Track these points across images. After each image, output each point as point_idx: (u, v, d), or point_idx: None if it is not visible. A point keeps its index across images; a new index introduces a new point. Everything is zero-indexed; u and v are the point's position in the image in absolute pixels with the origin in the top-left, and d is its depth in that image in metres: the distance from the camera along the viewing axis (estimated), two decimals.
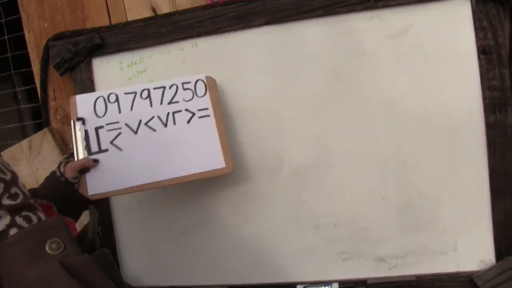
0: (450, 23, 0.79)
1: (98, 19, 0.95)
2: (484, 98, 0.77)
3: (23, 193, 0.44)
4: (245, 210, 0.88)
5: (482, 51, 0.78)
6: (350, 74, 0.82)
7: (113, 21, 0.94)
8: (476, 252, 0.80)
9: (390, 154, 0.81)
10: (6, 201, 0.41)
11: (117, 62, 0.92)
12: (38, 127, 1.08)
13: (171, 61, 0.89)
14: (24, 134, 1.31)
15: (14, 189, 0.42)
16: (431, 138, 0.79)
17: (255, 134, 0.86)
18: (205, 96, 0.79)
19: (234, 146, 0.85)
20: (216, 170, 0.75)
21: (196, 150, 0.76)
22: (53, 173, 0.75)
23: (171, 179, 0.74)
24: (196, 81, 0.80)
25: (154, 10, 0.93)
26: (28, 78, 1.07)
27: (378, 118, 0.81)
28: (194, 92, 0.79)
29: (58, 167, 0.75)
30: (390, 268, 0.84)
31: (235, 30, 0.85)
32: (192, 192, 0.90)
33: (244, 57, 0.85)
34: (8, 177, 0.43)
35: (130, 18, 0.93)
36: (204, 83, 0.79)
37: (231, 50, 0.85)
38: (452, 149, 0.79)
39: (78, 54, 0.93)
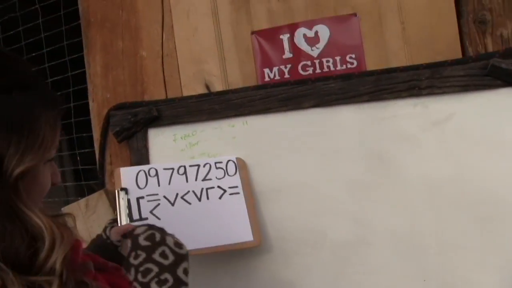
0: (495, 112, 0.84)
1: (156, 93, 1.06)
2: None
3: None
4: (286, 281, 0.93)
5: None
6: (393, 158, 0.88)
7: (169, 95, 1.05)
8: None
9: (431, 237, 0.85)
10: None
11: (171, 134, 1.02)
12: (80, 188, 1.19)
13: (222, 136, 0.98)
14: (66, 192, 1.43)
15: None
16: (474, 223, 0.83)
17: (300, 209, 0.92)
18: (235, 175, 0.88)
19: (279, 220, 0.92)
20: (245, 243, 0.83)
21: (227, 224, 0.84)
22: (99, 236, 0.83)
23: (203, 249, 0.81)
24: (228, 161, 0.89)
25: (208, 87, 1.03)
26: (81, 142, 1.20)
27: (420, 201, 0.86)
28: (226, 171, 0.88)
29: (104, 231, 0.83)
30: None
31: (284, 110, 0.93)
32: (235, 261, 0.96)
33: (292, 136, 0.93)
34: None
35: (185, 93, 1.03)
36: (235, 164, 0.88)
37: (280, 130, 0.93)
38: (495, 237, 0.82)
39: (136, 124, 1.03)
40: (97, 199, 1.10)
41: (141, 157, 1.03)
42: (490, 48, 0.86)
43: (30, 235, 0.37)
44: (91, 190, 1.40)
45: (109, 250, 0.78)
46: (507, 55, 0.82)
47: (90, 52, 1.12)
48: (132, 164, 1.03)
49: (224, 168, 0.87)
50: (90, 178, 1.26)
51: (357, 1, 0.94)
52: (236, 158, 0.89)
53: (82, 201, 1.11)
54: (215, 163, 0.88)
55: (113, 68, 1.10)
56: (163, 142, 1.02)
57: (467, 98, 0.85)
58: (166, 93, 1.06)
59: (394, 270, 0.86)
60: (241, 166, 0.88)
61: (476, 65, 0.84)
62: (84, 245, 0.80)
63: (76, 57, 1.17)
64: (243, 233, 0.82)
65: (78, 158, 1.17)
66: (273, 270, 0.93)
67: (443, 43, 0.90)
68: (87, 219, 1.11)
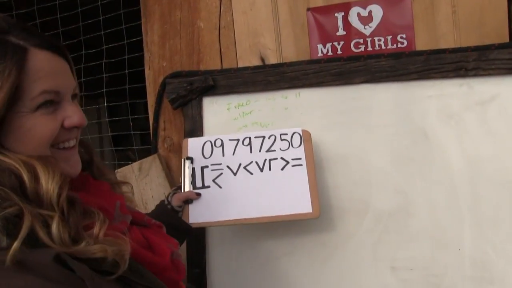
0: None
1: (211, 63, 1.38)
2: None
3: None
4: (330, 245, 1.24)
5: None
6: (437, 134, 1.17)
7: (225, 66, 1.36)
8: None
9: (469, 210, 1.14)
10: None
11: (225, 103, 1.34)
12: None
13: (275, 107, 1.29)
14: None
15: None
16: (509, 200, 1.11)
17: (347, 179, 1.23)
18: (300, 147, 1.13)
19: (327, 189, 1.23)
20: (304, 214, 1.07)
21: (287, 194, 1.09)
22: (162, 202, 1.13)
23: (261, 217, 1.08)
24: (293, 134, 1.15)
25: (263, 59, 1.34)
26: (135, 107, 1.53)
27: (460, 176, 1.15)
28: (290, 143, 1.15)
29: (167, 197, 1.13)
30: None
31: (336, 85, 1.23)
32: (282, 224, 1.27)
33: (343, 110, 1.23)
34: None
35: (241, 64, 1.35)
36: (300, 136, 1.14)
37: (331, 103, 1.23)
38: None
39: (192, 92, 1.36)
40: (151, 162, 1.43)
41: (195, 124, 1.36)
42: None
43: (13, 174, 0.51)
44: (126, 158, 1.75)
45: (167, 214, 1.08)
46: None
47: (148, 21, 1.44)
48: (185, 130, 1.36)
49: (289, 140, 1.13)
50: (127, 144, 1.59)
51: None
52: (302, 130, 1.14)
53: (135, 164, 1.45)
54: (281, 134, 1.14)
55: (170, 37, 1.42)
56: (217, 110, 1.34)
57: (510, 80, 1.13)
58: (222, 64, 1.37)
59: (431, 239, 1.16)
60: (306, 139, 1.13)
61: None
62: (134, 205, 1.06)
63: (133, 25, 1.49)
64: (303, 204, 1.07)
65: (131, 123, 1.50)
66: (318, 236, 1.24)
67: (491, 27, 1.17)
68: (140, 182, 1.45)
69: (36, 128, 0.55)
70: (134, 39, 1.49)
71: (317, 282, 1.25)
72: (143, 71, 1.45)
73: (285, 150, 1.12)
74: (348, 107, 1.23)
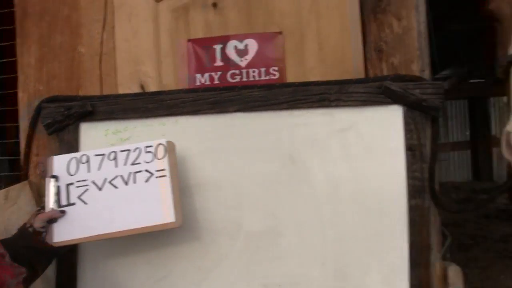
0: (386, 124, 1.50)
1: (91, 89, 1.63)
2: (408, 186, 1.46)
3: None
4: (205, 267, 1.50)
5: (409, 148, 1.48)
6: (303, 159, 1.50)
7: (105, 92, 1.62)
8: None
9: (331, 227, 1.47)
10: None
11: (103, 129, 1.58)
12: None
13: (152, 133, 1.55)
14: None
15: None
16: (365, 215, 1.46)
17: (220, 202, 1.51)
18: (164, 158, 1.38)
19: (201, 212, 1.49)
20: (167, 223, 1.32)
21: (151, 206, 1.33)
22: (24, 225, 1.31)
23: (127, 230, 1.31)
24: (158, 145, 1.41)
25: (142, 87, 1.62)
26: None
27: (323, 196, 1.48)
28: (155, 155, 1.41)
29: (30, 219, 1.32)
30: None
31: (212, 113, 1.54)
32: (157, 247, 1.51)
33: (218, 136, 1.53)
34: None
35: (121, 91, 1.61)
36: (165, 147, 1.40)
37: (207, 130, 1.53)
38: (381, 226, 1.45)
39: (69, 118, 1.58)
40: (19, 190, 1.61)
41: (70, 149, 1.58)
42: (385, 72, 1.53)
43: None
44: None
45: (27, 237, 1.26)
46: (396, 79, 1.50)
47: (25, 42, 1.67)
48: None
49: (154, 152, 1.39)
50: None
51: (283, 21, 1.59)
52: (167, 141, 1.39)
53: (1, 192, 1.62)
54: (146, 146, 1.38)
55: (48, 61, 1.66)
56: (95, 136, 1.58)
57: (366, 111, 1.51)
58: (102, 90, 1.63)
59: (299, 256, 1.46)
60: (170, 150, 1.38)
61: (374, 85, 1.50)
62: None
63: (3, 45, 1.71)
64: (166, 214, 1.32)
65: None
66: (193, 259, 1.50)
67: (351, 64, 1.56)
68: (5, 211, 1.61)
69: None
70: (10, 59, 1.69)
71: None
72: (12, 94, 1.65)
73: (150, 162, 1.37)
74: (222, 134, 1.53)
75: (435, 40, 1.73)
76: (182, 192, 1.44)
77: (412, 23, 1.55)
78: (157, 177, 1.36)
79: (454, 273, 1.57)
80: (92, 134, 1.59)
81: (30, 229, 1.27)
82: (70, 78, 1.65)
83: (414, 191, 1.46)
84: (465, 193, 6.79)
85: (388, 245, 1.45)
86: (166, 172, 1.35)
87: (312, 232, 1.48)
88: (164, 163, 1.36)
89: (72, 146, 1.59)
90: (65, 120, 1.59)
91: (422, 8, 1.56)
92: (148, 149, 1.37)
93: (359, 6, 1.57)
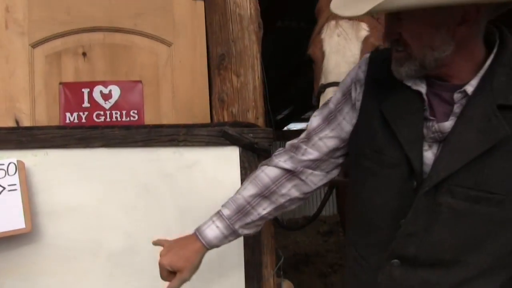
0: (226, 162, 2.23)
1: None
2: None
3: None
4: (68, 282, 2.13)
5: (243, 181, 2.22)
6: (156, 189, 2.19)
7: None
8: None
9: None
10: None
11: None
12: None
13: (26, 162, 2.16)
14: None
15: None
16: None
17: (83, 224, 2.15)
18: (15, 175, 2.02)
19: (67, 233, 2.13)
20: (19, 229, 1.94)
21: (4, 215, 1.95)
22: None
23: None
24: (9, 164, 2.04)
25: (17, 122, 2.22)
26: None
27: (172, 221, 2.18)
28: (7, 172, 2.02)
29: None
30: None
31: (79, 147, 2.18)
32: (22, 264, 2.12)
33: (83, 168, 2.17)
34: None
35: None
36: (15, 165, 2.03)
37: (74, 162, 2.17)
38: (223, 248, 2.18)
39: None
40: None
41: None
42: (226, 119, 2.26)
43: None
44: None
45: None
46: (234, 125, 2.23)
47: None
48: None
49: (5, 169, 1.99)
50: None
51: (142, 72, 2.28)
52: (17, 161, 2.00)
53: None
54: None
55: None
56: None
57: (209, 150, 2.23)
58: None
59: (152, 272, 2.14)
60: (20, 168, 2.00)
61: (216, 129, 2.23)
62: None
63: None
64: (18, 222, 1.93)
65: None
66: (57, 274, 2.13)
67: (199, 110, 2.28)
68: None
69: None
70: None
71: None
72: None
73: (2, 178, 1.98)
74: (88, 166, 2.17)
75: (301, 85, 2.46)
76: (50, 215, 2.07)
77: (248, 79, 2.30)
78: (9, 190, 1.96)
79: (287, 287, 2.36)
80: None
81: None
82: None
83: None
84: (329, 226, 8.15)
85: (228, 263, 2.18)
86: (17, 187, 1.97)
87: None
88: (15, 179, 1.97)
89: None
90: None
91: (258, 67, 2.32)
92: (1, 166, 1.97)
93: (206, 63, 2.29)
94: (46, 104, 2.26)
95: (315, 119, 1.62)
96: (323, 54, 2.19)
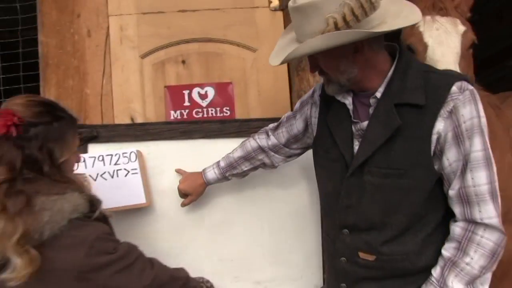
0: None
1: (94, 120, 2.75)
2: None
3: None
4: (181, 247, 2.63)
5: None
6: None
7: (105, 122, 2.74)
8: (313, 279, 2.61)
9: (266, 220, 2.63)
10: None
11: (104, 148, 2.70)
12: None
13: (141, 151, 2.69)
14: None
15: None
16: (294, 216, 2.62)
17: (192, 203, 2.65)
18: (136, 161, 2.54)
19: (176, 210, 2.63)
20: (141, 204, 2.47)
21: (130, 192, 2.48)
22: None
23: (114, 207, 2.43)
24: (131, 152, 2.55)
25: (132, 119, 2.75)
26: None
27: (260, 194, 2.64)
28: (129, 159, 2.54)
29: None
30: None
31: (183, 139, 2.68)
32: (145, 233, 2.64)
33: (185, 155, 2.67)
34: None
35: (116, 122, 2.74)
36: (135, 154, 2.55)
37: (179, 151, 2.67)
38: (302, 217, 2.62)
39: (81, 140, 2.71)
40: None
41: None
42: None
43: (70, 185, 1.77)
44: None
45: None
46: None
47: (46, 84, 2.78)
48: None
49: (128, 157, 2.51)
50: None
51: (232, 74, 2.75)
52: (137, 150, 2.51)
53: None
54: (123, 153, 2.51)
55: (63, 98, 2.77)
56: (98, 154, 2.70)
57: None
58: (102, 121, 2.75)
59: (244, 238, 2.61)
60: (139, 156, 2.50)
61: None
62: None
63: (30, 86, 2.82)
64: (140, 198, 2.45)
65: None
66: (171, 241, 2.63)
67: (281, 106, 2.72)
68: None
69: (73, 161, 1.85)
70: None
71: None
72: None
73: (126, 163, 2.50)
74: (190, 154, 2.66)
75: None
76: (161, 194, 2.58)
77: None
78: (132, 173, 2.48)
79: None
80: (96, 152, 2.71)
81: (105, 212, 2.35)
82: (79, 111, 2.76)
83: None
84: None
85: (308, 236, 2.62)
86: (138, 171, 2.48)
87: (254, 222, 2.63)
88: (136, 165, 2.48)
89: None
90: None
91: None
92: (125, 155, 2.49)
93: (286, 65, 2.74)
94: (154, 104, 2.77)
95: (285, 117, 2.25)
96: (425, 45, 2.37)
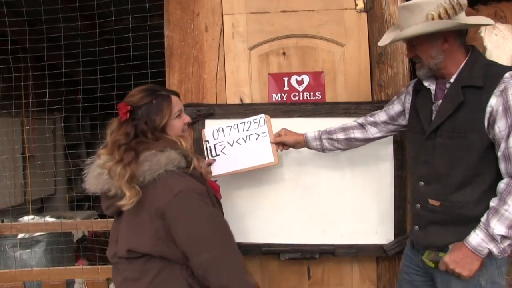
0: None
1: (210, 100, 3.51)
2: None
3: None
4: (278, 205, 3.39)
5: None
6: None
7: (219, 102, 3.50)
8: (385, 234, 3.34)
9: (349, 185, 3.36)
10: None
11: (218, 123, 3.47)
12: None
13: (249, 127, 3.44)
14: None
15: None
16: (372, 182, 3.35)
17: (284, 168, 3.40)
18: (265, 125, 3.22)
19: (275, 173, 3.38)
20: (270, 163, 3.14)
21: (260, 153, 3.16)
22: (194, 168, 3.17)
23: (247, 168, 3.16)
24: (260, 118, 3.25)
25: (241, 100, 3.50)
26: None
27: (343, 162, 3.37)
28: (259, 124, 3.26)
29: (198, 164, 3.18)
30: (345, 240, 3.35)
31: (283, 117, 3.42)
32: (250, 192, 3.40)
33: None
34: None
35: (229, 102, 3.50)
36: (264, 119, 3.25)
37: (280, 126, 3.39)
38: (377, 183, 3.34)
39: (199, 116, 3.48)
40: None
41: (199, 135, 3.47)
42: (383, 98, 3.40)
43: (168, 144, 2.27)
44: None
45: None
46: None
47: (171, 70, 3.56)
48: (193, 138, 3.46)
49: (258, 122, 3.18)
50: None
51: (324, 65, 3.47)
52: (265, 115, 3.17)
53: None
54: (253, 119, 3.17)
55: (184, 82, 3.54)
56: (213, 127, 3.48)
57: None
58: (217, 101, 3.51)
59: (328, 199, 3.35)
60: (267, 120, 3.16)
61: (376, 105, 3.37)
62: None
63: (156, 71, 3.60)
64: (269, 158, 3.11)
65: None
66: (271, 199, 3.39)
67: (363, 92, 3.43)
68: None
69: (178, 124, 2.51)
70: (159, 79, 3.59)
71: (268, 219, 3.40)
72: None
73: (257, 128, 3.21)
74: (289, 129, 3.40)
75: None
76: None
77: (399, 70, 3.41)
78: (261, 137, 3.19)
79: None
80: (211, 125, 3.47)
81: (201, 170, 3.10)
82: (198, 93, 3.53)
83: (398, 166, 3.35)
84: None
85: (382, 196, 3.34)
86: (267, 133, 3.19)
87: (339, 188, 3.36)
88: (265, 128, 3.18)
89: (200, 133, 3.47)
90: (197, 118, 3.47)
91: (406, 61, 3.42)
92: (255, 120, 3.21)
93: (369, 58, 3.45)
94: (259, 88, 3.51)
95: (387, 105, 2.96)
96: (484, 48, 2.90)
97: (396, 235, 3.35)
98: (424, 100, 2.52)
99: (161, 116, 2.32)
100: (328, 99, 3.46)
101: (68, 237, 4.61)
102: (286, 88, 3.48)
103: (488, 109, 2.22)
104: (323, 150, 3.05)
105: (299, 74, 3.48)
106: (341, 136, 2.99)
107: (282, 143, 3.04)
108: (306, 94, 3.46)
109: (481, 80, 2.24)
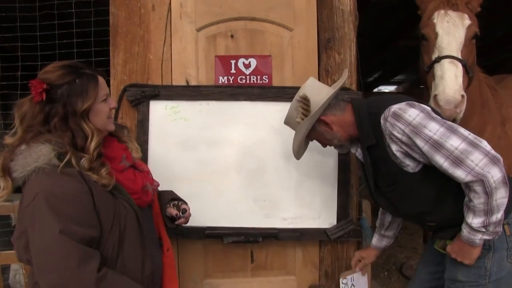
0: None
1: (156, 81, 3.56)
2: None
3: None
4: (221, 189, 3.48)
5: None
6: (281, 128, 3.48)
7: (164, 83, 3.56)
8: (328, 219, 3.47)
9: (293, 169, 3.47)
10: None
11: (163, 105, 3.52)
12: None
13: (194, 110, 3.51)
14: None
15: None
16: (316, 168, 3.47)
17: (226, 152, 3.49)
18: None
19: (220, 157, 3.47)
20: None
21: None
22: None
23: None
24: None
25: (187, 82, 3.56)
26: None
27: (290, 153, 3.48)
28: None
29: None
30: (288, 224, 3.47)
31: (229, 100, 3.50)
32: (195, 175, 3.48)
33: (231, 114, 3.49)
34: None
35: (174, 83, 3.55)
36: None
37: (225, 110, 3.49)
38: (322, 168, 3.46)
39: (144, 97, 3.52)
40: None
41: (144, 115, 3.52)
42: (329, 84, 3.52)
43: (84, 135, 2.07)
44: None
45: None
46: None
47: (115, 49, 3.58)
48: (138, 119, 3.51)
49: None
50: None
51: (271, 49, 3.56)
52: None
53: None
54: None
55: (130, 62, 3.57)
56: (158, 108, 3.53)
57: None
58: (162, 82, 3.56)
59: (275, 183, 3.46)
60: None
61: None
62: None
63: (100, 49, 3.62)
64: None
65: None
66: (214, 183, 3.48)
67: (310, 77, 3.54)
68: None
69: (103, 109, 2.21)
70: (104, 58, 3.61)
71: (213, 206, 3.48)
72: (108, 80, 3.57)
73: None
74: (235, 113, 3.48)
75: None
76: (211, 145, 3.41)
77: (346, 56, 3.54)
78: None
79: (366, 205, 3.62)
80: (157, 107, 3.51)
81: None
82: (143, 73, 3.56)
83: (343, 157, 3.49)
84: None
85: (326, 183, 3.47)
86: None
87: (288, 169, 3.47)
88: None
89: (145, 114, 3.51)
90: (141, 98, 3.51)
91: (353, 48, 3.55)
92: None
93: (317, 44, 3.56)
94: (205, 70, 3.57)
95: None
96: (436, 34, 3.11)
97: (338, 220, 3.50)
98: (360, 162, 2.80)
99: (85, 99, 2.09)
100: (275, 83, 3.56)
101: (5, 221, 4.56)
102: (233, 71, 3.55)
103: (396, 152, 2.42)
104: (389, 242, 3.29)
105: (246, 57, 3.56)
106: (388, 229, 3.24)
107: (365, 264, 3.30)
108: (253, 77, 3.55)
109: (372, 138, 2.49)
